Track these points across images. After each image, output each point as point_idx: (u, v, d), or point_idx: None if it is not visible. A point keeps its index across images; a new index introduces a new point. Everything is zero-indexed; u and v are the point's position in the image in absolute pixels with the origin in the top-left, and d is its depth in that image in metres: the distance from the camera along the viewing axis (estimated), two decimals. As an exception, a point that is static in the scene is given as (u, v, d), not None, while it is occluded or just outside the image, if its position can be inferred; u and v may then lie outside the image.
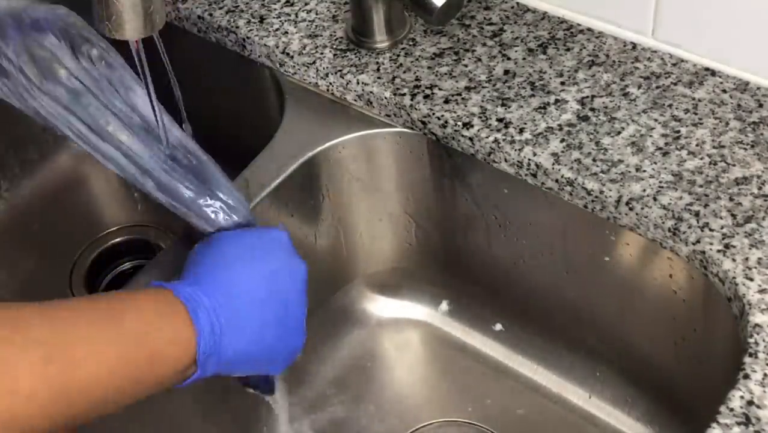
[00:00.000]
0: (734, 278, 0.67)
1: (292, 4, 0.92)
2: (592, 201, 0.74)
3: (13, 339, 0.50)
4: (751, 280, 0.67)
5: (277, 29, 0.90)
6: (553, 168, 0.75)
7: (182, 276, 0.64)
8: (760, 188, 0.72)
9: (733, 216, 0.70)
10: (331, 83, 0.86)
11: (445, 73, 0.83)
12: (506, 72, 0.83)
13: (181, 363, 0.58)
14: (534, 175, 0.76)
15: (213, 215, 0.69)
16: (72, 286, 1.02)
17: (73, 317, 0.54)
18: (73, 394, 0.52)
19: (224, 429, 0.86)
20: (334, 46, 0.87)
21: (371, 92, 0.83)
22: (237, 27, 0.91)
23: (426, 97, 0.81)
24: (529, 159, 0.76)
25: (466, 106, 0.80)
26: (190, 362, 0.59)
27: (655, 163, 0.74)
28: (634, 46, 0.84)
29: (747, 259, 0.68)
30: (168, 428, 0.80)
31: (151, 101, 0.68)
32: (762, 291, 0.66)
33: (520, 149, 0.76)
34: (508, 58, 0.84)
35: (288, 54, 0.88)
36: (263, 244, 0.67)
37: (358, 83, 0.84)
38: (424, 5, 0.77)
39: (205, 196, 0.69)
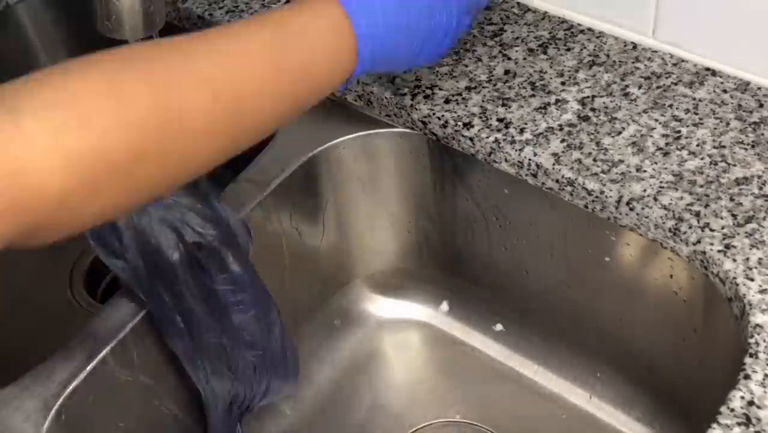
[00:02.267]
0: (735, 278, 0.67)
1: (292, 4, 0.92)
2: (593, 201, 0.74)
3: (184, 80, 0.51)
4: (752, 280, 0.67)
5: (277, 29, 0.90)
6: (553, 168, 0.75)
7: None
8: (760, 188, 0.72)
9: (734, 216, 0.70)
10: (331, 83, 0.86)
11: (446, 73, 0.83)
12: (507, 72, 0.83)
13: (347, 73, 0.60)
14: (534, 176, 0.76)
15: None
16: (72, 286, 1.02)
17: (239, 50, 0.54)
18: (240, 126, 0.54)
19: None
20: (335, 46, 0.87)
21: (371, 92, 0.83)
22: (237, 27, 0.91)
23: (426, 97, 0.81)
24: (530, 159, 0.76)
25: (466, 106, 0.80)
26: (352, 69, 0.61)
27: (656, 163, 0.74)
28: (635, 46, 0.84)
29: (747, 259, 0.68)
30: (170, 428, 0.80)
31: None
32: (762, 291, 0.66)
33: (520, 149, 0.76)
34: (509, 58, 0.84)
35: (288, 54, 0.87)
36: None
37: (358, 83, 0.84)
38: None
39: None
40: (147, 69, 0.50)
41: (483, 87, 0.82)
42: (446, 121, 0.80)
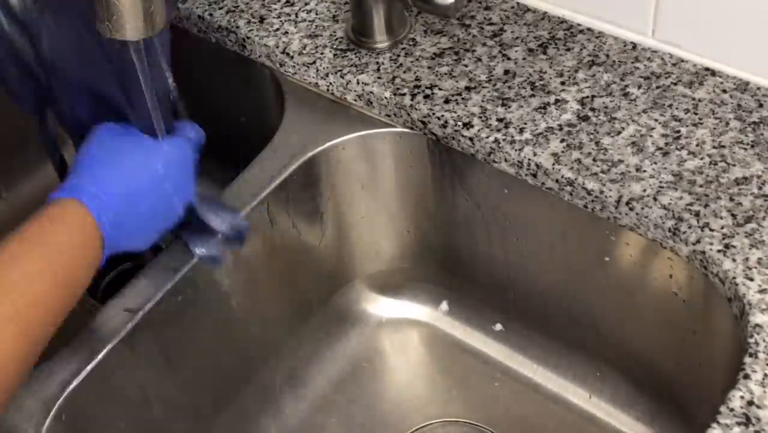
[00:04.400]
0: (734, 278, 0.67)
1: (292, 4, 0.92)
2: (593, 201, 0.74)
3: None
4: (752, 280, 0.67)
5: (277, 29, 0.90)
6: (553, 168, 0.75)
7: (75, 175, 0.67)
8: (760, 188, 0.72)
9: (734, 216, 0.70)
10: (331, 83, 0.86)
11: (445, 73, 0.83)
12: (506, 72, 0.83)
13: (96, 260, 0.65)
14: (534, 176, 0.76)
15: None
16: (72, 286, 1.02)
17: (25, 279, 0.59)
18: (40, 344, 0.60)
19: (228, 429, 0.86)
20: (334, 46, 0.87)
21: (371, 92, 0.83)
22: (237, 27, 0.91)
23: (426, 97, 0.81)
24: (530, 159, 0.76)
25: (466, 106, 0.80)
26: (100, 255, 0.66)
27: (656, 163, 0.74)
28: (635, 46, 0.84)
29: (747, 259, 0.68)
30: (171, 427, 0.80)
31: (152, 107, 0.68)
32: (762, 291, 0.66)
33: (520, 149, 0.76)
34: (508, 58, 0.84)
35: (288, 54, 0.88)
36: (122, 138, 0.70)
37: (358, 83, 0.84)
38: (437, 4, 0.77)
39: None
40: None
41: (483, 87, 0.82)
42: (446, 121, 0.80)
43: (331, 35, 0.89)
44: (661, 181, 0.73)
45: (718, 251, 0.68)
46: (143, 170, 0.68)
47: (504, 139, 0.77)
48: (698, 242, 0.69)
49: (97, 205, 0.64)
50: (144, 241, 0.70)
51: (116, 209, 0.65)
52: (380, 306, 0.96)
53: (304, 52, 0.87)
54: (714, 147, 0.75)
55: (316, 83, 0.87)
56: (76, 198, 0.64)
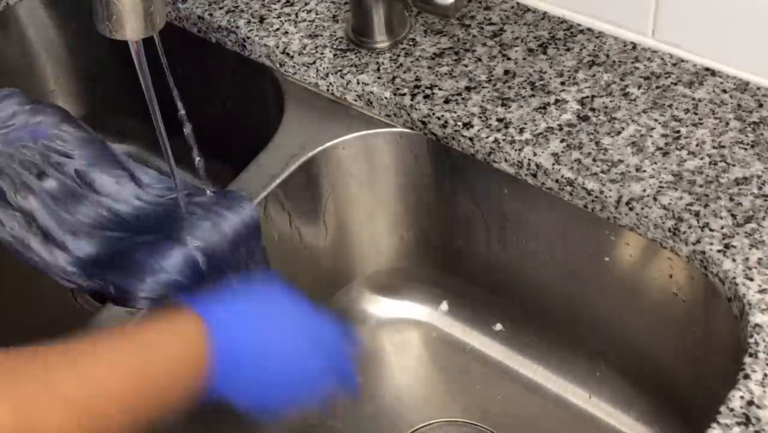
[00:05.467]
0: (734, 278, 0.67)
1: (292, 4, 0.92)
2: (592, 201, 0.74)
3: (47, 400, 0.50)
4: (751, 280, 0.67)
5: (277, 29, 0.90)
6: (553, 168, 0.75)
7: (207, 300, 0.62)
8: (760, 188, 0.72)
9: (733, 216, 0.70)
10: (331, 83, 0.86)
11: (445, 73, 0.83)
12: (506, 72, 0.83)
13: (196, 383, 0.58)
14: (534, 176, 0.76)
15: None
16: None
17: (102, 372, 0.54)
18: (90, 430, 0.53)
19: (228, 429, 0.86)
20: (334, 46, 0.87)
21: (371, 92, 0.83)
22: (237, 27, 0.91)
23: (426, 97, 0.81)
24: (529, 159, 0.76)
25: (466, 106, 0.80)
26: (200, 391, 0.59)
27: (655, 163, 0.74)
28: (634, 46, 0.84)
29: (747, 259, 0.68)
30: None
31: (151, 106, 0.67)
32: (762, 291, 0.66)
33: (520, 149, 0.76)
34: (508, 58, 0.84)
35: (288, 54, 0.88)
36: (290, 300, 0.65)
37: (358, 83, 0.84)
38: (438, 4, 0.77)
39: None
40: (9, 383, 0.49)
41: (483, 87, 0.82)
42: (446, 121, 0.80)
43: (331, 35, 0.89)
44: (661, 181, 0.73)
45: (718, 251, 0.68)
46: (283, 319, 0.62)
47: (504, 139, 0.77)
48: (698, 242, 0.69)
49: (217, 325, 0.58)
50: (266, 401, 0.63)
51: (238, 341, 0.59)
52: (380, 306, 0.96)
53: (304, 52, 0.87)
54: (714, 147, 0.75)
55: (316, 83, 0.87)
56: (199, 314, 0.58)
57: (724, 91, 0.79)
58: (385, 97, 0.82)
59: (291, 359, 0.62)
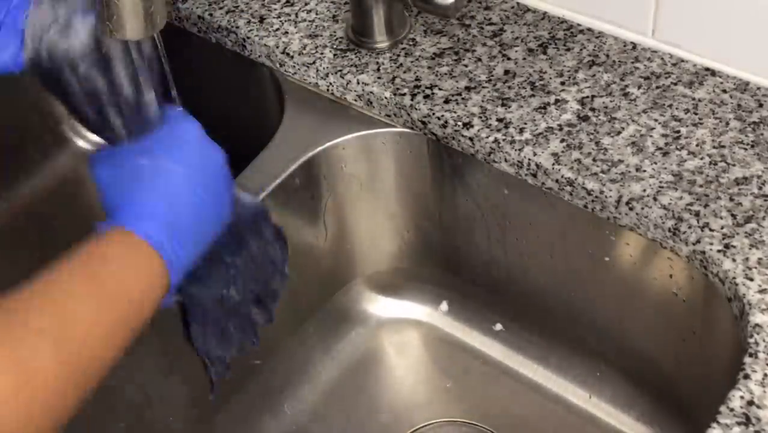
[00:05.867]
0: (734, 278, 0.67)
1: (292, 4, 0.92)
2: (592, 201, 0.74)
3: (24, 332, 0.52)
4: (752, 280, 0.67)
5: (277, 29, 0.90)
6: (553, 168, 0.75)
7: (118, 207, 0.64)
8: (760, 188, 0.72)
9: (733, 216, 0.70)
10: (331, 83, 0.86)
11: (445, 73, 0.83)
12: (506, 72, 0.83)
13: (161, 294, 0.62)
14: (534, 175, 0.76)
15: None
16: (72, 286, 1.02)
17: (66, 296, 0.56)
18: (82, 367, 0.55)
19: (228, 429, 0.86)
20: (334, 46, 0.87)
21: (371, 92, 0.83)
22: (237, 27, 0.91)
23: (426, 97, 0.81)
24: (529, 159, 0.76)
25: (466, 106, 0.80)
26: (166, 289, 0.62)
27: (655, 163, 0.74)
28: (634, 46, 0.84)
29: (747, 259, 0.68)
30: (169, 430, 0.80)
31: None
32: (762, 291, 0.66)
33: (520, 149, 0.76)
34: (508, 58, 0.84)
35: (288, 54, 0.88)
36: (177, 144, 0.67)
37: (358, 83, 0.84)
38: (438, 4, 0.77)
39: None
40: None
41: (483, 87, 0.82)
42: (446, 121, 0.80)
43: (331, 35, 0.89)
44: (661, 181, 0.73)
45: (718, 251, 0.68)
46: (178, 184, 0.64)
47: (504, 139, 0.77)
48: (698, 242, 0.69)
49: (146, 229, 0.61)
50: (203, 243, 0.66)
51: (167, 228, 0.62)
52: (380, 306, 0.96)
53: (304, 52, 0.87)
54: (714, 147, 0.75)
55: (316, 83, 0.87)
56: (124, 226, 0.61)
57: (724, 91, 0.79)
58: (385, 97, 0.82)
59: (206, 206, 0.66)
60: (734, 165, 0.73)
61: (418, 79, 0.83)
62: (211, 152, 0.68)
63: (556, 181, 0.75)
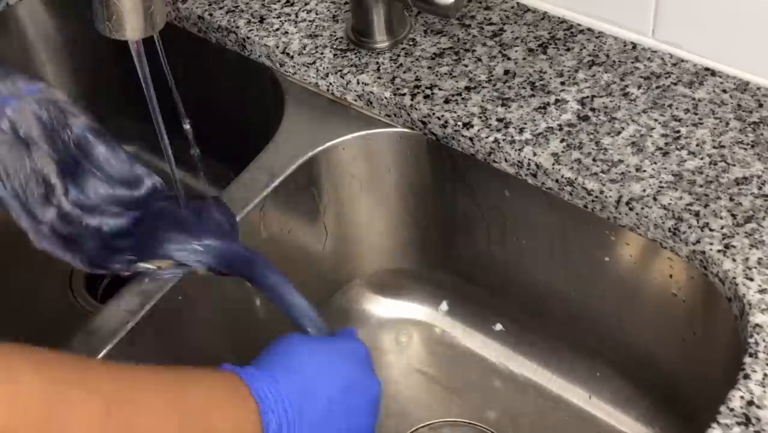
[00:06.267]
0: (734, 278, 0.67)
1: (292, 4, 0.92)
2: (592, 201, 0.74)
3: (78, 384, 0.49)
4: (751, 280, 0.67)
5: (277, 29, 0.90)
6: (553, 168, 0.75)
7: (254, 362, 0.61)
8: (760, 188, 0.72)
9: (733, 216, 0.70)
10: (331, 83, 0.86)
11: (445, 73, 0.83)
12: (506, 72, 0.83)
13: None
14: (534, 175, 0.76)
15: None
16: (72, 287, 1.02)
17: (137, 378, 0.53)
18: None
19: None
20: (334, 46, 0.87)
21: (371, 92, 0.83)
22: (237, 27, 0.91)
23: (426, 97, 0.81)
24: (529, 159, 0.76)
25: (466, 106, 0.80)
26: None
27: (655, 163, 0.74)
28: (634, 46, 0.84)
29: (747, 259, 0.68)
30: None
31: (151, 106, 0.67)
32: (762, 291, 0.66)
33: (520, 149, 0.76)
34: (508, 58, 0.84)
35: (288, 54, 0.88)
36: (341, 352, 0.65)
37: (358, 83, 0.84)
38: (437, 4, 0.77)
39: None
40: (41, 365, 0.49)
41: (483, 87, 0.82)
42: (446, 121, 0.80)
43: (331, 35, 0.89)
44: (661, 181, 0.73)
45: (718, 251, 0.68)
46: (327, 376, 0.61)
47: (504, 139, 0.77)
48: (698, 242, 0.69)
49: (264, 392, 0.57)
50: None
51: (288, 407, 0.58)
52: (380, 306, 0.96)
53: (304, 52, 0.87)
54: (714, 147, 0.75)
55: (316, 83, 0.87)
56: (245, 382, 0.57)
57: (724, 91, 0.79)
58: (385, 97, 0.82)
59: (339, 418, 0.62)
60: (734, 165, 0.73)
61: (418, 79, 0.83)
62: (373, 379, 0.66)
63: (556, 181, 0.75)
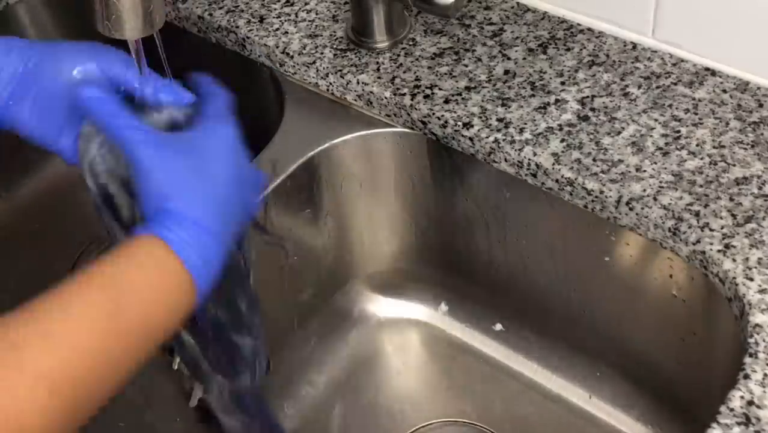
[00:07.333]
0: (734, 278, 0.67)
1: (292, 4, 0.92)
2: (592, 201, 0.74)
3: (18, 371, 0.49)
4: (752, 280, 0.67)
5: (277, 29, 0.90)
6: (553, 168, 0.75)
7: (163, 199, 0.58)
8: (760, 188, 0.72)
9: (733, 216, 0.70)
10: (331, 83, 0.86)
11: (445, 73, 0.83)
12: (506, 72, 0.83)
13: (187, 309, 0.57)
14: (534, 175, 0.76)
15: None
16: (72, 286, 1.02)
17: (72, 330, 0.52)
18: (79, 410, 0.51)
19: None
20: (334, 46, 0.87)
21: (371, 92, 0.83)
22: (237, 27, 0.91)
23: (426, 97, 0.81)
24: (529, 159, 0.76)
25: (466, 106, 0.80)
26: (192, 303, 0.57)
27: (655, 163, 0.74)
28: (635, 46, 0.84)
29: (747, 259, 0.68)
30: None
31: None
32: (762, 291, 0.66)
33: (520, 149, 0.76)
34: (508, 58, 0.84)
35: (288, 54, 0.88)
36: (211, 149, 0.62)
37: (358, 83, 0.84)
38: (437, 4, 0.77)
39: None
40: None
41: (483, 87, 0.82)
42: (446, 121, 0.80)
43: (331, 35, 0.89)
44: (661, 181, 0.73)
45: (718, 251, 0.68)
46: (221, 177, 0.59)
47: (504, 139, 0.77)
48: (698, 242, 0.69)
49: (179, 240, 0.55)
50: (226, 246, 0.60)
51: (202, 237, 0.56)
52: (380, 306, 0.96)
53: (304, 52, 0.87)
54: (714, 147, 0.75)
55: (316, 83, 0.87)
56: (154, 234, 0.55)
57: (724, 91, 0.79)
58: (385, 97, 0.82)
59: (236, 197, 0.60)
60: (734, 165, 0.73)
61: (418, 79, 0.83)
62: (238, 146, 0.64)
63: (556, 181, 0.75)
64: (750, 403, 0.61)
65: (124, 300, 0.53)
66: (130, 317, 0.53)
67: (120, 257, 0.55)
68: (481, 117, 0.79)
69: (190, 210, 0.57)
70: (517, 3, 0.89)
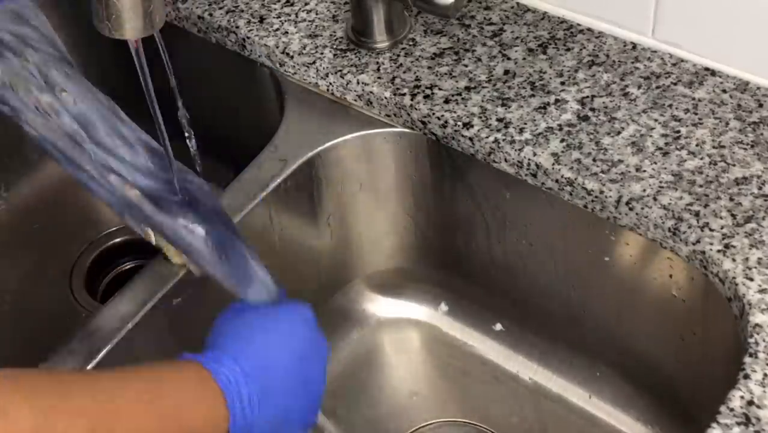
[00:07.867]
0: (734, 278, 0.67)
1: (292, 4, 0.92)
2: (592, 201, 0.74)
3: (60, 408, 0.51)
4: (751, 280, 0.67)
5: (277, 29, 0.90)
6: (553, 168, 0.75)
7: (210, 347, 0.63)
8: (760, 188, 0.72)
9: (733, 216, 0.70)
10: (331, 83, 0.86)
11: (445, 73, 0.83)
12: (506, 72, 0.83)
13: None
14: (534, 175, 0.76)
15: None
16: (72, 286, 1.02)
17: (115, 387, 0.55)
18: None
19: None
20: (334, 46, 0.87)
21: (371, 92, 0.83)
22: (237, 27, 0.91)
23: (426, 97, 0.81)
24: (529, 159, 0.76)
25: (466, 106, 0.80)
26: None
27: (655, 163, 0.74)
28: (634, 46, 0.84)
29: (747, 259, 0.68)
30: None
31: (152, 107, 0.67)
32: (762, 291, 0.66)
33: (520, 149, 0.76)
34: (508, 58, 0.84)
35: (288, 54, 0.88)
36: (289, 318, 0.66)
37: (358, 83, 0.84)
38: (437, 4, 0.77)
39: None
40: (29, 395, 0.50)
41: (483, 87, 0.82)
42: (446, 121, 0.80)
43: (331, 35, 0.89)
44: (661, 181, 0.73)
45: (718, 251, 0.68)
46: (281, 346, 0.63)
47: (504, 139, 0.77)
48: (698, 242, 0.69)
49: (227, 379, 0.59)
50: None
51: (251, 388, 0.59)
52: (380, 306, 0.96)
53: (304, 52, 0.87)
54: (714, 147, 0.75)
55: (316, 83, 0.87)
56: (202, 364, 0.59)
57: (724, 91, 0.79)
58: (385, 97, 0.82)
59: (297, 386, 0.63)
60: (734, 165, 0.73)
61: (418, 79, 0.83)
62: (321, 340, 0.67)
63: (556, 181, 0.75)
64: (750, 403, 0.61)
65: (166, 392, 0.57)
66: (167, 405, 0.56)
67: (171, 373, 0.58)
68: (481, 117, 0.79)
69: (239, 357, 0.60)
70: (517, 3, 0.89)
